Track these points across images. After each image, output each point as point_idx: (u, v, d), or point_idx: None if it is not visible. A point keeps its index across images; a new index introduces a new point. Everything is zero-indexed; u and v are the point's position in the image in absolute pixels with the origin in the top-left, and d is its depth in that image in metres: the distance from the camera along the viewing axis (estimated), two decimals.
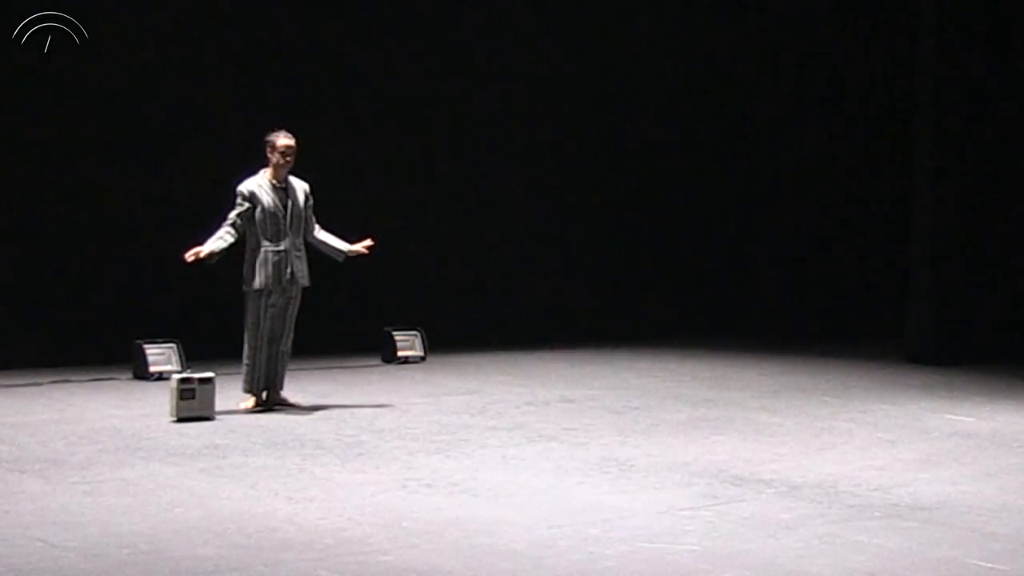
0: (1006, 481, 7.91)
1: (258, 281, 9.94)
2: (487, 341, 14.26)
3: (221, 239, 9.86)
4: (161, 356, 11.87)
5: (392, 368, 12.98)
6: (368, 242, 10.40)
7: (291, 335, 10.18)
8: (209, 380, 9.81)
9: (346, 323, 13.55)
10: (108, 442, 8.82)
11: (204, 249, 9.82)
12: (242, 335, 10.20)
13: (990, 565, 6.06)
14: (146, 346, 11.90)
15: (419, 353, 13.41)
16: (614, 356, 13.95)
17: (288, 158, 9.99)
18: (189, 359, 11.78)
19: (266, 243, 9.92)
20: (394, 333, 13.36)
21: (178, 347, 11.95)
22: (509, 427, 9.62)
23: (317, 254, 10.36)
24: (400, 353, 13.28)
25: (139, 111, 13.02)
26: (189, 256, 9.82)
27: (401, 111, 14.44)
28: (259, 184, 9.98)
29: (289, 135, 10.05)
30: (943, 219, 13.65)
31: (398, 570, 5.89)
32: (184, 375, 9.90)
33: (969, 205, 13.67)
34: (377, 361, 13.20)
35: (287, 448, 8.70)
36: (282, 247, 9.96)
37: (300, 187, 10.13)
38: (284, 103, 13.49)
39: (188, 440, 8.92)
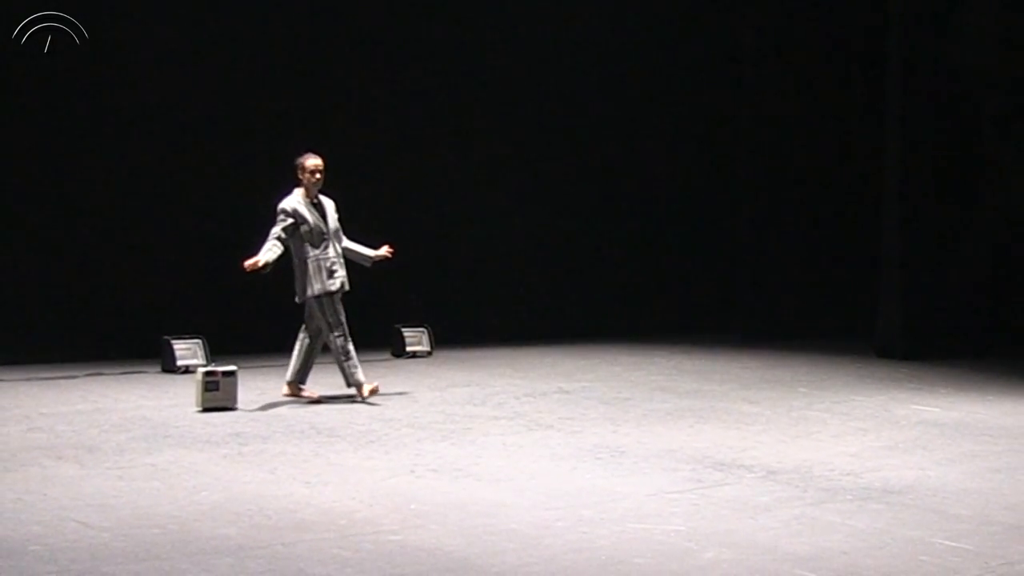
0: (968, 466, 7.91)
1: (317, 287, 9.96)
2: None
3: (271, 250, 9.81)
4: (187, 351, 11.89)
5: (401, 362, 12.99)
6: (387, 248, 10.47)
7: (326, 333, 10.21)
8: (232, 373, 9.82)
9: (359, 320, 13.50)
10: (138, 430, 8.83)
11: (260, 259, 9.73)
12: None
13: (954, 544, 6.06)
14: (173, 342, 11.91)
15: (426, 348, 13.41)
16: (606, 351, 13.95)
17: (318, 176, 10.07)
18: (213, 354, 11.78)
19: (315, 252, 9.96)
20: (403, 329, 13.37)
21: (203, 343, 11.96)
22: (509, 416, 9.62)
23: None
24: (408, 348, 13.28)
25: (168, 118, 12.99)
26: (247, 266, 9.73)
27: (406, 116, 14.37)
28: (298, 201, 10.01)
29: (316, 155, 10.11)
30: (910, 228, 13.65)
31: (406, 549, 5.89)
32: (208, 368, 9.91)
33: (934, 216, 13.67)
34: (387, 355, 13.21)
35: (304, 436, 8.70)
36: (331, 255, 10.02)
37: (329, 203, 10.21)
38: (296, 108, 13.54)
39: (212, 429, 8.93)
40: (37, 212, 12.45)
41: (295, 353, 10.28)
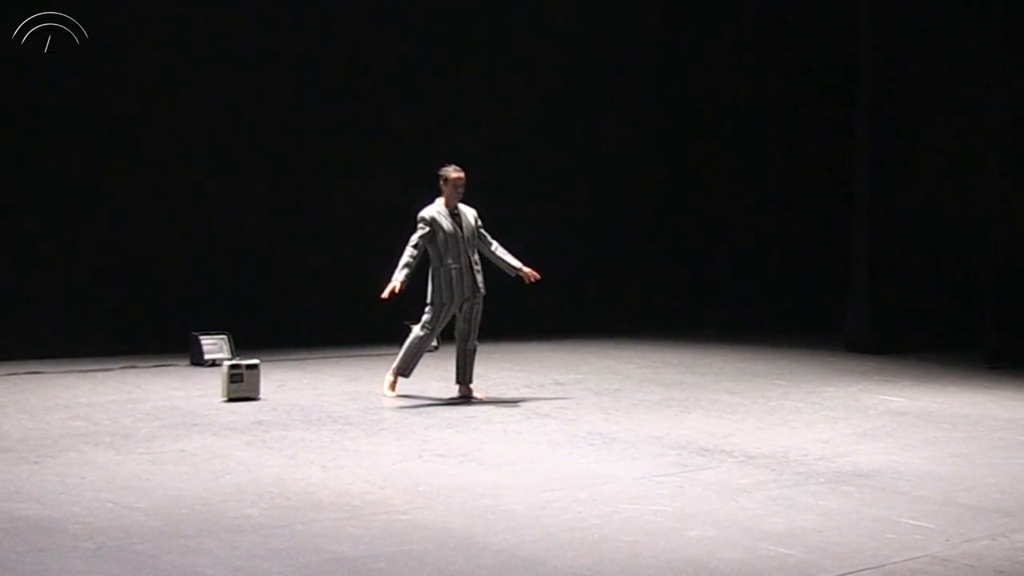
0: (931, 452, 7.92)
1: (444, 295, 9.80)
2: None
3: (406, 266, 9.59)
4: (214, 346, 11.87)
5: None
6: (533, 271, 10.18)
7: (475, 334, 10.01)
8: (255, 366, 9.82)
9: (371, 318, 13.51)
10: (169, 419, 8.82)
11: (396, 283, 9.53)
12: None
13: (918, 523, 6.07)
14: (201, 337, 11.89)
15: (434, 344, 13.36)
16: (597, 345, 13.93)
17: (460, 189, 9.85)
18: (238, 348, 11.78)
19: (449, 261, 9.77)
20: (412, 326, 13.31)
21: (229, 338, 11.95)
22: (509, 406, 9.62)
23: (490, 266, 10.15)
24: None
25: (197, 119, 12.91)
26: (386, 294, 9.53)
27: (409, 121, 14.26)
28: (437, 211, 9.80)
29: (459, 169, 9.88)
30: (878, 231, 13.64)
31: (415, 527, 5.90)
32: (234, 362, 9.90)
33: (901, 220, 13.65)
34: (397, 350, 13.15)
35: (321, 424, 8.70)
36: (462, 264, 9.83)
37: (470, 212, 9.97)
38: (314, 111, 13.49)
39: (237, 417, 8.92)
40: (74, 215, 12.42)
41: (456, 360, 10.08)
